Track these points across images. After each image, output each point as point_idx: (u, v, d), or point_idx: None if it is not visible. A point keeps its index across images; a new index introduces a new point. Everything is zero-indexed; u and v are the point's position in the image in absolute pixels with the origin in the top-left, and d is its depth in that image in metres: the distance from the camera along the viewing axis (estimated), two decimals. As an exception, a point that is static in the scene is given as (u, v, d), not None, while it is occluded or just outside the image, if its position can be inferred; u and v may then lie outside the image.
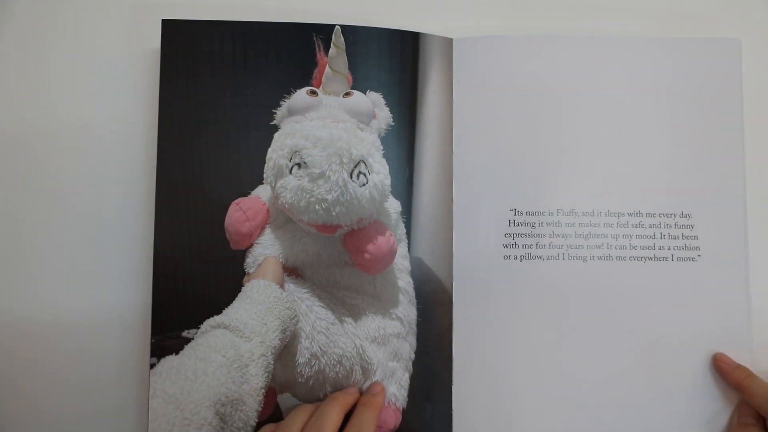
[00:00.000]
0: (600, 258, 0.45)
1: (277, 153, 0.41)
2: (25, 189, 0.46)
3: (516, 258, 0.45)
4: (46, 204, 0.46)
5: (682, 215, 0.45)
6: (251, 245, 0.43)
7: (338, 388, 0.42)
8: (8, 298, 0.45)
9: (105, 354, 0.45)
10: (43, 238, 0.46)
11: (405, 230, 0.45)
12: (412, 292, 0.45)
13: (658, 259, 0.45)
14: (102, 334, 0.45)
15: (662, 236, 0.45)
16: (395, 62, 0.46)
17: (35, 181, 0.46)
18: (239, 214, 0.42)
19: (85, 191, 0.46)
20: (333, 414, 0.40)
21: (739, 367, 0.43)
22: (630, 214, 0.45)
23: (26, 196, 0.46)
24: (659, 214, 0.46)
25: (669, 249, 0.45)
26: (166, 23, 0.45)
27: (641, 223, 0.45)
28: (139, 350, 0.45)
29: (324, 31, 0.44)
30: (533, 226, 0.45)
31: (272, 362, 0.39)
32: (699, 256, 0.45)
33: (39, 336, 0.45)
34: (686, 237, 0.45)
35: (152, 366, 0.42)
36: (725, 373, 0.43)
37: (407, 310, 0.44)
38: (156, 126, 0.45)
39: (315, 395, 0.42)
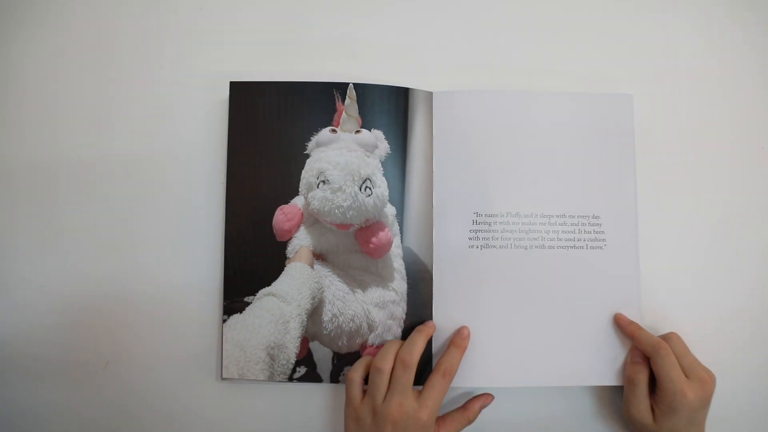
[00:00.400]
0: (537, 247, 0.49)
1: (308, 173, 0.47)
2: (134, 196, 0.50)
3: (478, 247, 0.49)
4: (148, 206, 0.50)
5: (593, 217, 0.49)
6: (291, 238, 0.48)
7: (351, 338, 0.47)
8: (120, 274, 0.49)
9: (191, 312, 0.49)
10: (147, 231, 0.50)
11: (399, 227, 0.48)
12: (404, 272, 0.48)
13: (577, 247, 0.49)
14: (188, 298, 0.49)
15: (580, 231, 0.49)
16: (392, 109, 0.48)
17: (142, 190, 0.50)
18: (282, 216, 0.48)
19: (177, 199, 0.50)
20: (420, 341, 0.44)
21: (631, 322, 0.48)
22: (557, 216, 0.49)
23: (135, 201, 0.50)
24: (578, 216, 0.49)
25: (584, 240, 0.49)
26: (233, 84, 0.49)
27: (565, 222, 0.49)
28: (215, 310, 0.49)
29: (341, 87, 0.48)
30: (490, 224, 0.49)
31: (305, 320, 0.46)
32: (605, 245, 0.49)
33: (142, 301, 0.49)
34: (596, 232, 0.49)
35: (224, 321, 0.47)
36: (622, 327, 0.48)
37: (400, 284, 0.48)
38: (225, 154, 0.49)
39: (335, 343, 0.47)
